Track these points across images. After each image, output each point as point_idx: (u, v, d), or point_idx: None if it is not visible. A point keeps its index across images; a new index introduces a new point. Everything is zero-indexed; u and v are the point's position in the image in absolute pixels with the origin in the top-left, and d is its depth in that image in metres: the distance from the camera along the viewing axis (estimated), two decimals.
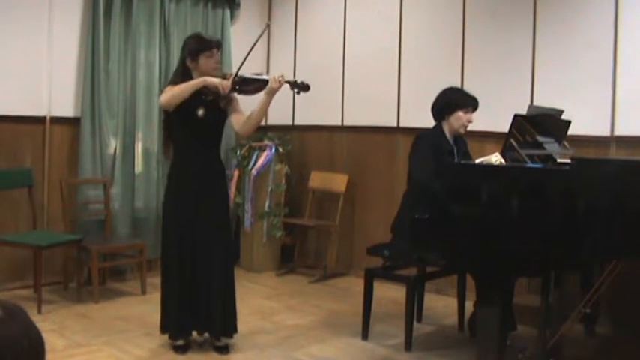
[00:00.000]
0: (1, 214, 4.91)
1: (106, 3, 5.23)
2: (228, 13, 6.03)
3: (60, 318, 4.36)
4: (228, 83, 3.60)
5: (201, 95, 3.68)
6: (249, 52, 3.67)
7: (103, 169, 5.28)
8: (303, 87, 3.69)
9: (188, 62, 3.72)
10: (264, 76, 3.70)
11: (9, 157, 4.95)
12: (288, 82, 3.67)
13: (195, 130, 3.70)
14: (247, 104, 3.84)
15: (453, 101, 3.96)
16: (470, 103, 3.97)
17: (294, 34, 6.28)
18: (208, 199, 3.74)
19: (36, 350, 1.14)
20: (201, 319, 3.74)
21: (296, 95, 3.81)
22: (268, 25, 3.68)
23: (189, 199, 3.72)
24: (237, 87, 3.70)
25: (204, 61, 3.69)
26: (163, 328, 3.81)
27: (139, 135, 5.46)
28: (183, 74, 3.74)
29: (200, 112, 3.64)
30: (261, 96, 3.70)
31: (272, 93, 3.64)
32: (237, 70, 3.71)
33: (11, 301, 1.19)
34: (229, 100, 3.76)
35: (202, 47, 3.69)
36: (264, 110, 3.71)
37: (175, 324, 3.75)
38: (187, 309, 3.71)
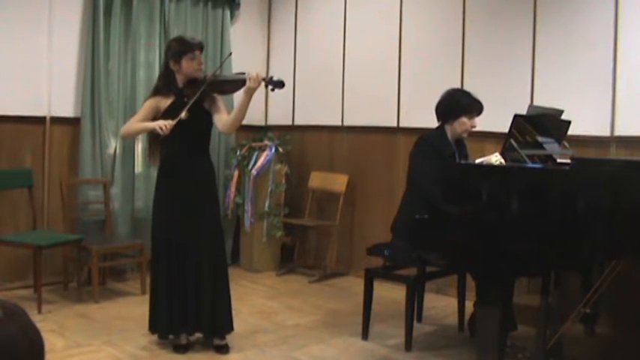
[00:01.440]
0: (1, 214, 4.91)
1: (106, 3, 5.23)
2: (228, 13, 6.03)
3: (60, 318, 4.36)
4: (168, 124, 3.60)
5: (183, 98, 3.70)
6: (219, 66, 3.77)
7: (103, 169, 5.28)
8: (278, 84, 3.68)
9: (171, 65, 3.74)
10: (242, 76, 3.71)
11: (9, 157, 4.95)
12: (264, 79, 3.67)
13: (181, 132, 3.68)
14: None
15: (457, 106, 3.92)
16: (475, 108, 3.94)
17: (294, 34, 6.28)
18: (197, 200, 3.74)
19: (35, 350, 1.14)
20: (189, 320, 3.73)
21: (270, 92, 3.82)
22: (231, 54, 3.80)
23: (178, 202, 3.73)
24: (214, 87, 3.74)
25: (186, 63, 3.71)
26: (152, 329, 3.83)
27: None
28: (167, 78, 3.77)
29: (183, 114, 3.64)
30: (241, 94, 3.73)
31: (250, 92, 3.64)
32: (214, 72, 3.78)
33: (11, 301, 1.19)
34: (212, 101, 3.79)
35: (184, 49, 3.71)
36: (243, 109, 3.70)
37: (164, 323, 3.75)
38: (176, 309, 3.71)
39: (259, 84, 3.63)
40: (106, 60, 5.27)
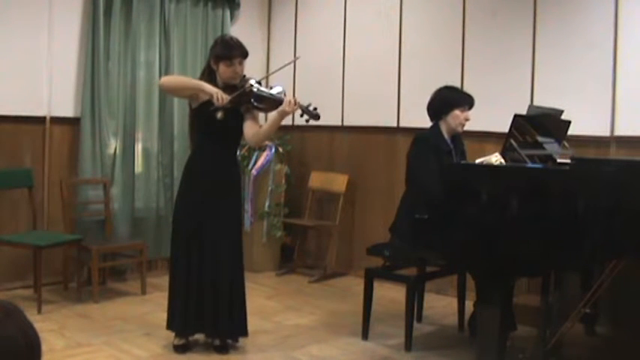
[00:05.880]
0: (1, 214, 4.91)
1: (106, 3, 5.23)
2: (228, 13, 6.03)
3: (60, 318, 4.36)
4: (225, 97, 3.58)
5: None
6: (273, 72, 3.71)
7: (103, 169, 5.28)
8: (314, 115, 3.65)
9: (212, 64, 3.74)
10: (281, 96, 3.67)
11: (9, 157, 4.95)
12: (300, 107, 3.64)
13: (214, 132, 3.70)
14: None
15: (448, 101, 3.96)
16: (466, 101, 3.98)
17: (294, 35, 6.28)
18: (220, 201, 3.73)
19: (33, 350, 1.14)
20: (206, 321, 3.72)
21: (305, 122, 3.72)
22: (297, 58, 3.72)
23: (200, 200, 3.72)
24: (252, 101, 3.69)
25: (222, 68, 3.70)
26: (170, 327, 3.82)
27: (139, 135, 5.46)
28: (209, 75, 3.78)
29: (219, 114, 3.66)
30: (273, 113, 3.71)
31: (283, 115, 3.63)
32: (255, 84, 3.69)
33: (8, 301, 1.19)
34: (248, 108, 3.75)
35: (222, 55, 3.69)
36: (272, 128, 3.71)
37: (180, 323, 3.75)
38: (193, 309, 3.71)
39: (293, 110, 3.61)
40: (106, 60, 5.26)
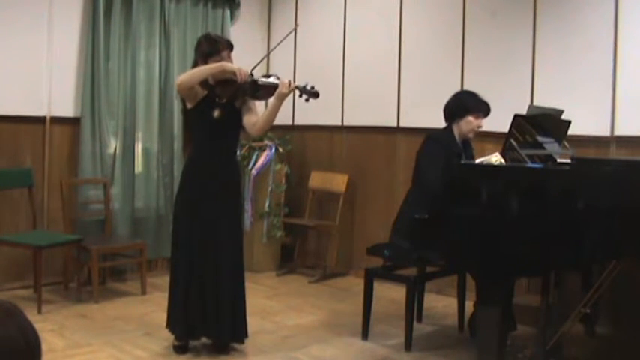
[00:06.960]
0: (1, 214, 4.91)
1: (106, 3, 5.23)
2: (228, 13, 6.03)
3: (60, 318, 4.36)
4: (246, 71, 3.59)
5: (216, 98, 3.69)
6: (270, 51, 3.66)
7: (103, 169, 5.28)
8: (312, 94, 3.65)
9: (200, 64, 3.72)
10: (276, 81, 3.68)
11: (9, 157, 4.95)
12: (297, 87, 3.64)
13: (211, 131, 3.70)
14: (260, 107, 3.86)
15: (465, 105, 3.99)
16: (482, 108, 4.00)
17: (294, 34, 6.27)
18: (220, 201, 3.72)
19: (33, 350, 1.15)
20: (209, 323, 3.71)
21: (305, 102, 3.73)
22: (298, 26, 3.69)
23: (201, 200, 3.71)
24: (249, 90, 3.68)
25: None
26: (171, 329, 3.80)
27: (139, 135, 5.46)
28: None
29: (216, 113, 3.65)
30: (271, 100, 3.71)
31: (281, 98, 3.62)
32: (251, 70, 3.70)
33: (8, 301, 1.19)
34: (244, 101, 3.75)
35: (211, 51, 3.67)
36: (273, 114, 3.68)
37: (183, 325, 3.73)
38: (195, 311, 3.69)
39: (291, 91, 3.61)
40: (106, 60, 5.27)
